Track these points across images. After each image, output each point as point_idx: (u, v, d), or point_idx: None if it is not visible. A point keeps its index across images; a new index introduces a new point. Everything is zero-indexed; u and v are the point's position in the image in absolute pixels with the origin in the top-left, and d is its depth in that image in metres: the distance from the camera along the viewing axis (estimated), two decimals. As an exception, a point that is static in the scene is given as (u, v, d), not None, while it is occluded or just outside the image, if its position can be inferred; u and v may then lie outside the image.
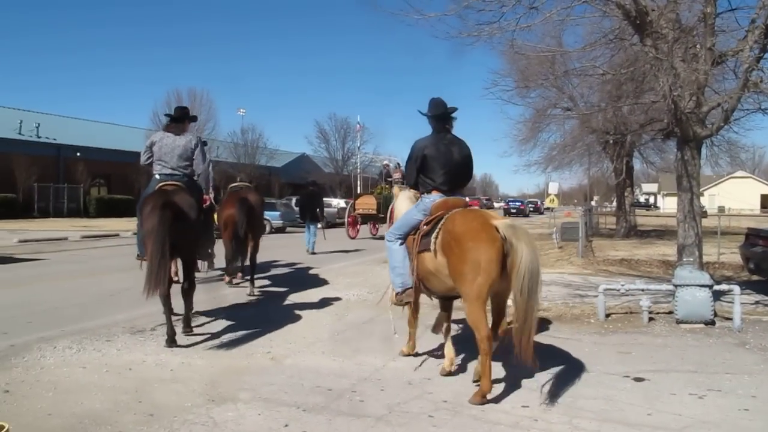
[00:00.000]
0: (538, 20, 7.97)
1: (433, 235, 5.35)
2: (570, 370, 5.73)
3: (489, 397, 4.81)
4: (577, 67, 13.12)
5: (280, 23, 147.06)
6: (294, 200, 33.61)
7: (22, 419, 4.39)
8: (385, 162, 28.68)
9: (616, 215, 28.25)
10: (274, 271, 13.24)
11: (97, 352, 6.22)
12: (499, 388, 5.11)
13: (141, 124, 47.42)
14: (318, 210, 18.69)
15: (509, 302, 5.06)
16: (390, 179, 25.28)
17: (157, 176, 7.53)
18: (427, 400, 4.86)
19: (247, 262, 10.62)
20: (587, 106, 20.67)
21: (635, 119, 17.65)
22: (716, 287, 7.77)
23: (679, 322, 7.65)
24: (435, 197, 5.72)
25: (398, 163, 26.63)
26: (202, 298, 9.41)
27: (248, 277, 10.46)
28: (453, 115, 6.01)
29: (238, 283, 10.88)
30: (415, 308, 6.08)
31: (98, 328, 7.23)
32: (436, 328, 6.13)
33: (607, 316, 8.13)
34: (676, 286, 7.69)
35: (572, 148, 23.72)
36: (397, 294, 5.86)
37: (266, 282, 11.45)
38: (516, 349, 4.75)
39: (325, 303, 9.18)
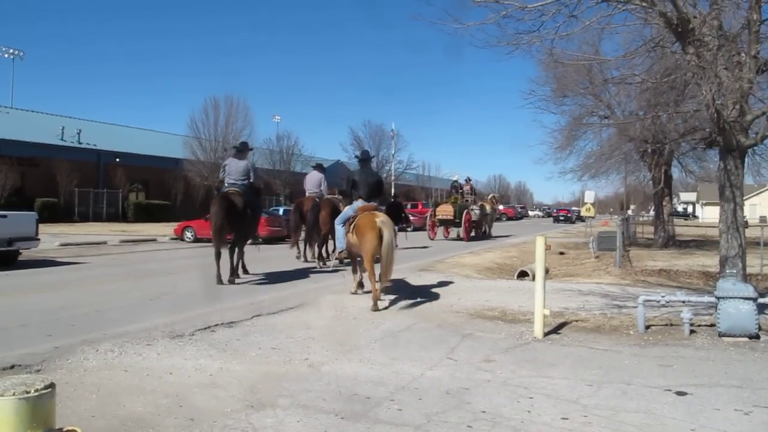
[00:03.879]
0: (578, 29, 7.90)
1: (352, 225, 9.92)
2: (610, 382, 5.65)
3: (380, 306, 9.34)
4: (616, 76, 12.96)
5: (318, 36, 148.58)
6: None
7: (67, 420, 4.45)
8: (455, 177, 33.44)
9: (654, 224, 27.77)
10: (310, 278, 13.31)
11: (138, 356, 6.31)
12: (539, 401, 5.08)
13: (178, 130, 48.19)
14: (398, 217, 22.81)
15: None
16: (461, 191, 30.44)
17: (226, 185, 12.34)
18: (466, 410, 4.83)
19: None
20: (625, 115, 20.43)
21: (675, 128, 17.35)
22: (761, 300, 7.56)
23: (721, 335, 7.48)
24: (359, 202, 10.24)
25: (468, 178, 32.54)
26: (242, 303, 9.53)
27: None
28: (371, 157, 11.67)
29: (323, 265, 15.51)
30: (353, 262, 10.86)
31: (139, 332, 7.34)
32: (353, 268, 10.98)
33: (647, 327, 7.98)
34: (718, 298, 7.53)
35: (609, 156, 23.41)
36: (339, 252, 10.90)
37: (303, 288, 11.53)
38: (381, 279, 9.53)
39: (362, 310, 9.20)
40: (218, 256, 11.63)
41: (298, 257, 16.73)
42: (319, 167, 17.64)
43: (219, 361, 6.20)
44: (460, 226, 28.52)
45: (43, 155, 37.71)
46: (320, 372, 5.92)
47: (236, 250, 12.20)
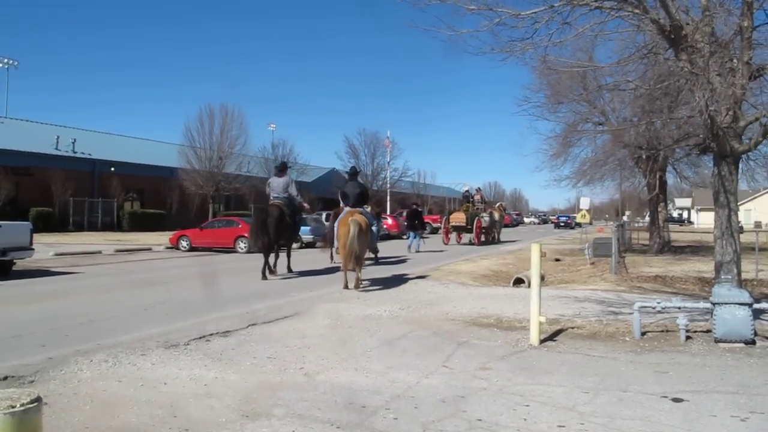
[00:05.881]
0: (571, 36, 7.93)
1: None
2: (606, 389, 5.64)
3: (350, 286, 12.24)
4: (610, 82, 13.00)
5: (313, 44, 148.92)
6: (324, 215, 34.65)
7: (61, 432, 4.45)
8: (466, 188, 36.08)
9: (649, 231, 27.80)
10: (306, 286, 13.27)
11: (133, 366, 6.28)
12: (535, 408, 5.07)
13: (174, 139, 48.14)
14: (417, 222, 27.07)
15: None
16: (471, 200, 33.10)
17: (271, 198, 15.00)
18: (462, 418, 4.81)
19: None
20: (619, 121, 20.49)
21: (669, 134, 17.40)
22: (756, 305, 7.57)
23: (717, 341, 7.48)
24: (348, 208, 13.10)
25: (478, 188, 35.70)
26: (238, 312, 9.50)
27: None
28: (357, 172, 15.06)
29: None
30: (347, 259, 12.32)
31: (133, 342, 7.30)
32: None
33: (643, 334, 7.98)
34: (714, 304, 7.53)
35: (604, 162, 23.45)
36: (337, 249, 13.35)
37: (299, 297, 11.50)
38: (350, 266, 12.23)
39: (357, 319, 9.18)
40: (266, 255, 14.41)
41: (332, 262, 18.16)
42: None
43: (214, 371, 6.17)
44: (472, 232, 31.19)
45: (38, 164, 37.55)
46: (316, 381, 5.90)
47: (279, 252, 15.23)
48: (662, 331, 8.26)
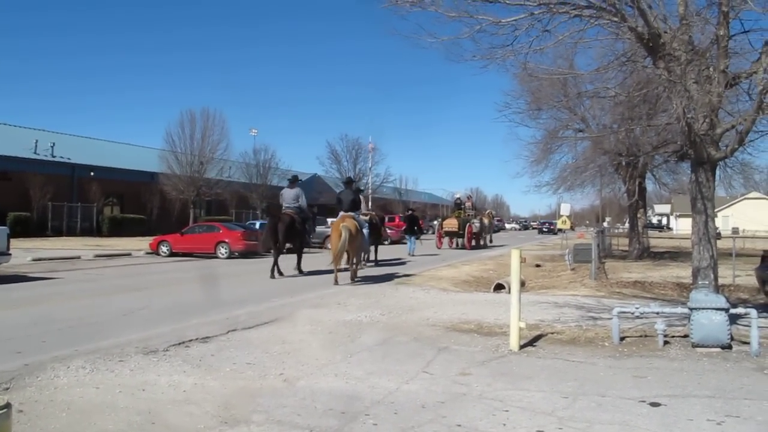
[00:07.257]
0: (551, 43, 7.98)
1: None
2: (585, 394, 5.67)
3: (340, 282, 13.95)
4: (590, 89, 13.12)
5: (295, 50, 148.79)
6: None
7: (36, 440, 4.39)
8: (458, 195, 37.44)
9: (629, 237, 28.05)
10: (287, 292, 13.23)
11: (111, 373, 6.21)
12: (514, 413, 5.09)
13: (154, 144, 47.81)
14: (415, 227, 28.67)
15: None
16: (462, 206, 34.65)
17: (284, 207, 16.66)
18: (442, 423, 4.81)
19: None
20: (600, 128, 20.67)
21: (648, 141, 17.60)
22: (732, 310, 7.65)
23: (695, 345, 7.55)
24: (342, 213, 14.51)
25: (468, 195, 38.33)
26: (218, 318, 9.44)
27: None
28: (352, 181, 17.43)
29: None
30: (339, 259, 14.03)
31: (111, 348, 7.22)
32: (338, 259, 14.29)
33: (622, 339, 8.04)
34: (691, 309, 7.60)
35: (584, 169, 23.66)
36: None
37: (279, 302, 11.45)
38: (341, 266, 14.18)
39: (338, 324, 9.15)
40: (275, 256, 15.99)
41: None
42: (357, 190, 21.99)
43: (193, 377, 6.12)
44: (464, 237, 32.99)
45: (16, 169, 37.12)
46: (295, 387, 5.87)
47: (279, 253, 16.47)
48: (641, 336, 8.33)
